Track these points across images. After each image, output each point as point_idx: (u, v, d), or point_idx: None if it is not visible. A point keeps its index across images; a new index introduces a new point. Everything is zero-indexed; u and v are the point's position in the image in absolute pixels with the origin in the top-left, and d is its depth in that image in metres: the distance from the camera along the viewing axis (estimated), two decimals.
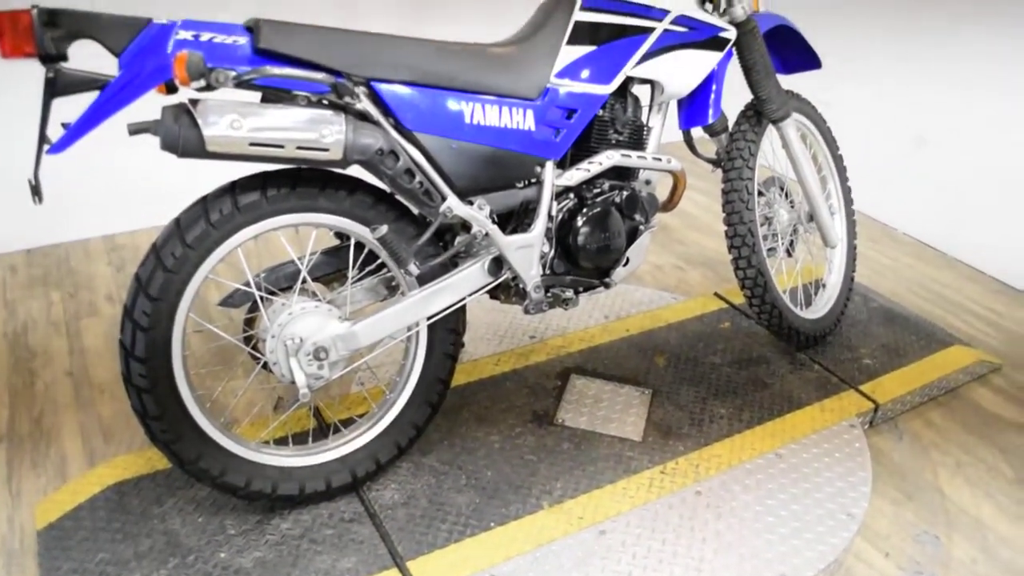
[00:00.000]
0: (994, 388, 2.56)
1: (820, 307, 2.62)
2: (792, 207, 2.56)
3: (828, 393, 2.38)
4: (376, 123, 1.69)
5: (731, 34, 2.10)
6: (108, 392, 2.38)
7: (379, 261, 1.91)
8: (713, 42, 2.07)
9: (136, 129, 1.59)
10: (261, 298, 1.82)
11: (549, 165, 1.93)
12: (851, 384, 2.42)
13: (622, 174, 2.12)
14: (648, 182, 2.18)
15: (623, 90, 2.08)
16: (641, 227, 2.13)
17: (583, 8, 1.94)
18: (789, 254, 2.57)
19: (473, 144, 1.81)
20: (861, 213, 3.79)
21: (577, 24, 1.93)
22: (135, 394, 1.71)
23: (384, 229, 1.72)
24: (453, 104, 1.78)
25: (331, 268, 1.94)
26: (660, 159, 2.11)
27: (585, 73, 1.93)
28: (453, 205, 1.78)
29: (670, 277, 3.06)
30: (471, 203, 1.84)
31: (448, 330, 1.97)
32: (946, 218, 3.43)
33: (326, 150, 1.62)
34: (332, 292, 1.95)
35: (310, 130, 1.60)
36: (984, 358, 2.65)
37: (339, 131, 1.61)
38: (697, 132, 2.39)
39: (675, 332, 2.62)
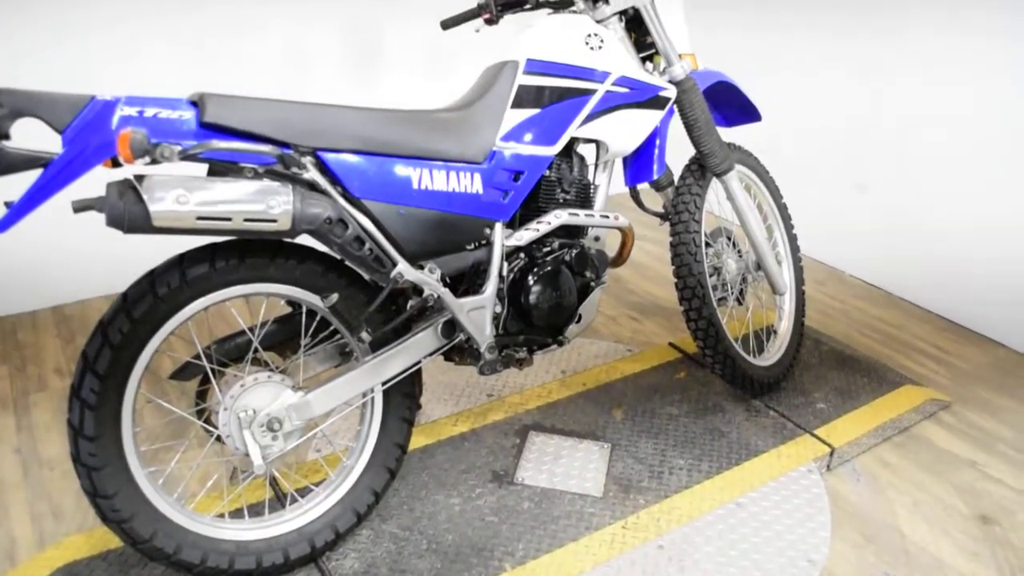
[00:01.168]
0: (945, 425, 2.61)
1: (772, 354, 2.66)
2: (740, 256, 2.61)
3: (785, 439, 2.40)
4: (324, 192, 1.70)
5: (671, 93, 2.16)
6: (58, 469, 2.32)
7: (332, 328, 1.91)
8: (654, 101, 2.12)
9: (81, 207, 1.58)
10: (212, 370, 1.80)
11: (498, 227, 1.95)
12: (806, 429, 2.45)
13: (571, 232, 2.15)
14: (597, 238, 2.21)
15: (569, 150, 2.12)
16: (592, 283, 2.15)
17: (526, 72, 1.98)
18: (740, 302, 2.62)
19: (422, 209, 1.82)
20: (808, 257, 3.87)
21: (521, 88, 1.97)
22: (85, 474, 1.67)
23: (335, 298, 1.72)
24: (400, 170, 1.80)
25: (284, 336, 1.93)
26: (608, 216, 2.15)
27: (530, 136, 1.96)
28: (404, 270, 1.79)
29: (625, 328, 3.09)
30: (422, 267, 1.85)
31: (404, 394, 1.96)
32: (891, 259, 3.52)
33: (274, 221, 1.62)
34: (285, 360, 1.94)
35: (257, 202, 1.60)
36: (934, 396, 2.71)
37: (287, 202, 1.62)
38: (644, 186, 2.43)
39: (631, 384, 2.64)
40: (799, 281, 2.78)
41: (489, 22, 2.34)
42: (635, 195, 2.47)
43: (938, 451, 2.47)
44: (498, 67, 2.02)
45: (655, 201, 2.89)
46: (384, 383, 1.91)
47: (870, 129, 3.50)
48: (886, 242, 3.52)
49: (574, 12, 2.20)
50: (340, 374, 1.85)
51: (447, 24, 2.41)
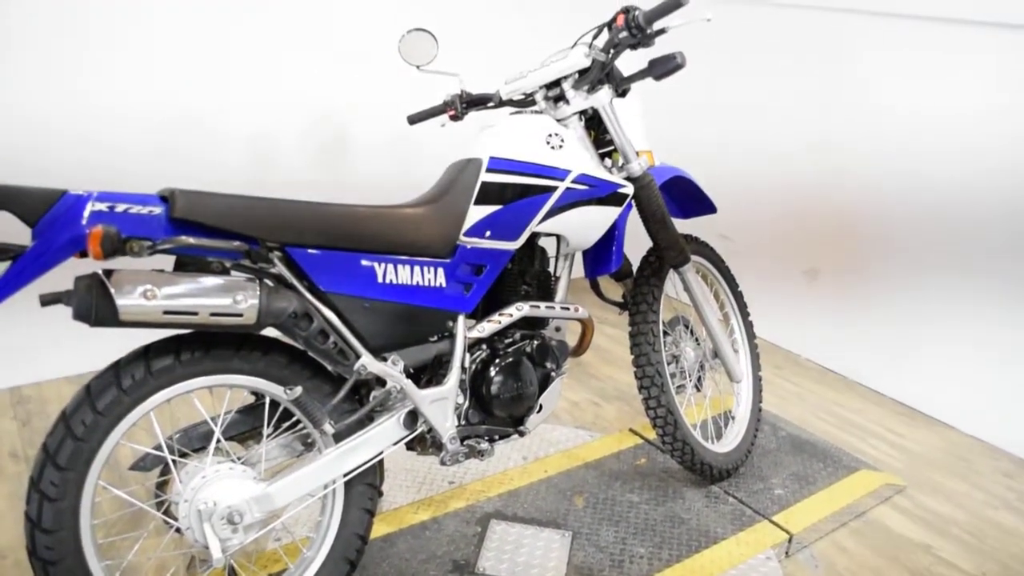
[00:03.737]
0: (900, 509, 2.65)
1: (730, 440, 2.71)
2: (698, 344, 2.68)
3: (743, 525, 2.43)
4: (291, 287, 1.74)
5: (628, 190, 2.24)
6: (11, 558, 2.28)
7: (295, 418, 1.92)
8: (612, 198, 2.21)
9: (48, 300, 1.60)
10: (173, 461, 1.80)
11: (461, 319, 2.00)
12: (765, 515, 2.48)
13: (533, 323, 2.20)
14: (558, 329, 2.26)
15: (531, 244, 2.19)
16: (553, 373, 2.20)
17: (489, 170, 2.06)
18: (698, 389, 2.67)
19: (386, 302, 1.87)
20: (766, 341, 3.96)
21: (484, 184, 2.04)
22: (40, 567, 1.66)
23: (299, 391, 1.75)
24: (366, 265, 1.84)
25: (246, 426, 1.94)
26: (568, 308, 2.21)
27: (493, 231, 2.03)
28: (367, 363, 1.82)
29: (587, 413, 3.13)
30: (385, 359, 1.89)
31: (365, 485, 1.97)
32: (845, 344, 3.61)
33: (240, 315, 1.65)
34: (248, 450, 1.94)
35: (224, 297, 1.63)
36: (889, 480, 2.76)
37: (253, 296, 1.65)
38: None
39: (593, 471, 2.66)
40: (756, 367, 2.85)
41: (454, 118, 2.43)
42: (595, 286, 2.53)
43: (894, 536, 2.52)
44: (462, 164, 2.10)
45: (615, 291, 2.96)
46: (346, 474, 1.92)
47: (824, 216, 3.63)
48: (840, 327, 3.62)
49: (536, 111, 2.29)
50: (302, 465, 1.85)
51: (413, 119, 2.49)
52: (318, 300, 1.78)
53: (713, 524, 2.43)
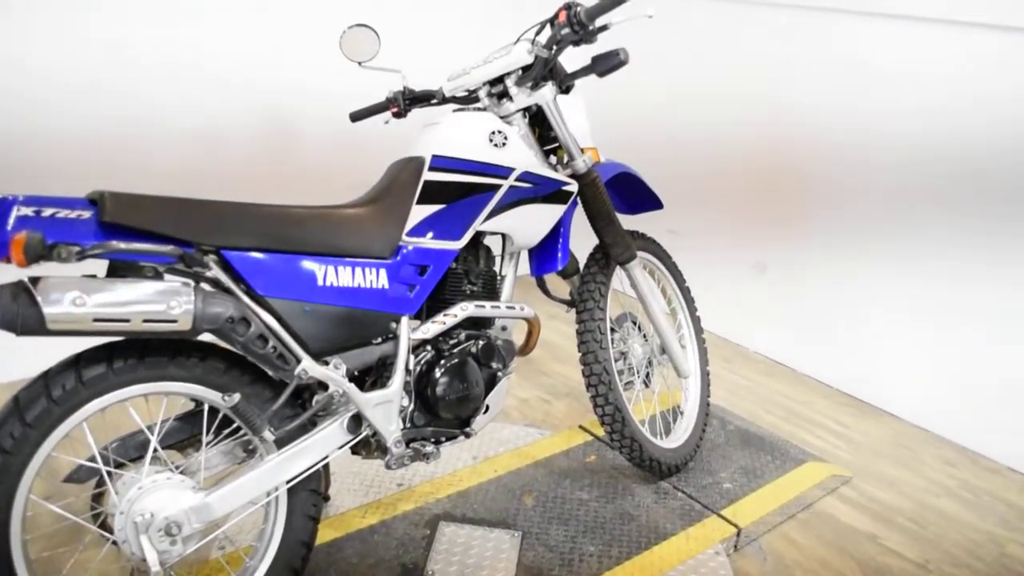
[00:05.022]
0: (846, 500, 2.69)
1: (679, 435, 2.71)
2: (646, 340, 2.68)
3: (692, 520, 2.44)
4: (228, 291, 1.70)
5: (573, 187, 2.23)
6: None
7: (236, 424, 1.88)
8: (557, 195, 2.19)
9: None
10: (108, 472, 1.75)
11: (404, 320, 1.97)
12: (713, 510, 2.49)
13: (478, 323, 2.18)
14: (504, 328, 2.24)
15: (475, 243, 2.17)
16: (499, 374, 2.18)
17: (432, 168, 2.03)
18: (647, 385, 2.68)
19: (327, 305, 1.83)
20: (714, 335, 3.98)
21: (427, 184, 2.01)
22: None
23: (236, 398, 1.71)
24: (306, 267, 1.81)
25: (185, 434, 1.89)
26: (514, 307, 2.19)
27: (436, 231, 2.00)
28: (308, 367, 1.79)
29: (536, 411, 3.12)
30: (327, 363, 1.85)
31: (309, 491, 1.93)
32: (792, 336, 3.65)
33: (174, 321, 1.60)
34: (188, 458, 1.89)
35: (157, 302, 1.58)
36: (836, 472, 2.80)
37: (187, 302, 1.61)
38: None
39: (542, 469, 2.65)
40: (704, 362, 2.86)
41: (397, 115, 2.39)
42: (541, 284, 2.52)
43: (841, 526, 2.55)
44: (404, 163, 2.07)
45: (563, 288, 2.95)
46: (289, 481, 1.88)
47: (771, 207, 3.66)
48: (787, 319, 3.66)
49: (479, 108, 2.27)
50: (243, 472, 1.81)
51: (356, 116, 2.45)
52: (256, 304, 1.74)
53: (662, 520, 2.43)
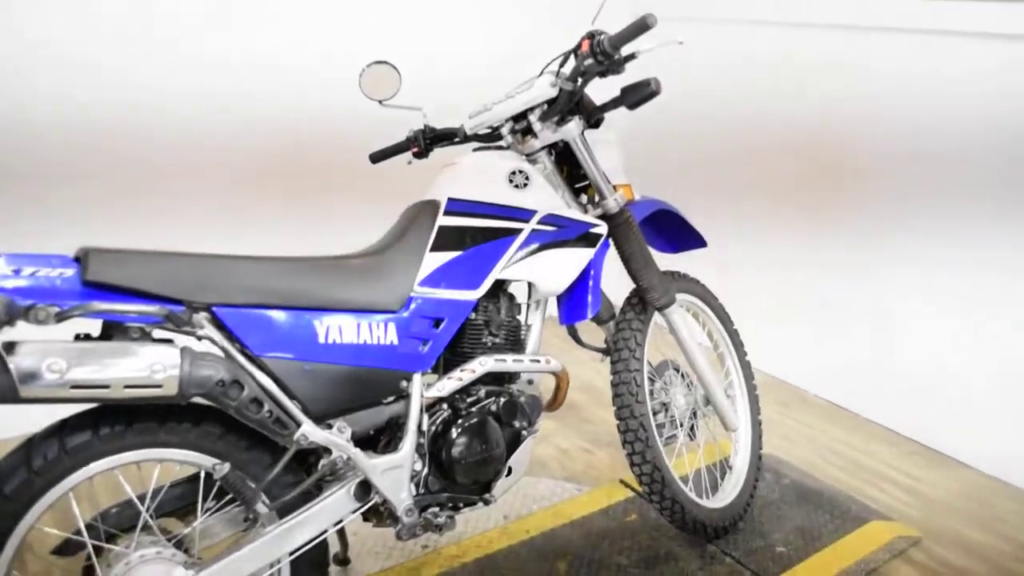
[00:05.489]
0: (914, 564, 2.44)
1: (728, 492, 2.50)
2: (689, 389, 2.49)
3: None
4: (222, 350, 1.58)
5: (602, 229, 2.06)
6: None
7: None
8: (584, 238, 2.03)
9: None
10: (95, 546, 1.63)
11: (417, 378, 1.82)
12: None
13: (500, 378, 2.02)
14: (531, 382, 2.08)
15: (497, 291, 2.01)
16: (524, 432, 2.01)
17: (447, 212, 1.89)
18: (692, 438, 2.48)
19: (330, 364, 1.70)
20: (772, 377, 3.75)
21: (441, 229, 1.87)
22: None
23: (226, 468, 1.58)
24: (305, 324, 1.67)
25: (184, 500, 1.77)
26: (539, 360, 2.02)
27: (452, 280, 1.85)
28: (308, 432, 1.65)
29: (577, 462, 2.93)
30: (330, 426, 1.71)
31: (314, 564, 1.79)
32: (855, 378, 3.40)
33: (158, 387, 1.48)
34: (186, 526, 1.77)
35: (139, 367, 1.47)
36: (902, 532, 2.55)
37: (173, 365, 1.49)
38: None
39: (579, 530, 2.46)
40: (755, 411, 2.65)
41: (418, 155, 2.27)
42: (573, 331, 2.35)
43: None
44: (418, 207, 1.93)
45: (599, 334, 2.75)
46: (292, 552, 1.73)
47: (834, 239, 3.44)
48: (850, 361, 3.41)
49: (501, 147, 2.12)
50: (241, 545, 1.68)
51: (376, 158, 2.34)
52: (252, 364, 1.61)
53: None
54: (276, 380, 1.64)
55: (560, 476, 2.82)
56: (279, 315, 1.65)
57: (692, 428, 2.46)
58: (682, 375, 2.49)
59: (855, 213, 3.29)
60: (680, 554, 2.37)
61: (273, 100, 3.26)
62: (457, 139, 2.22)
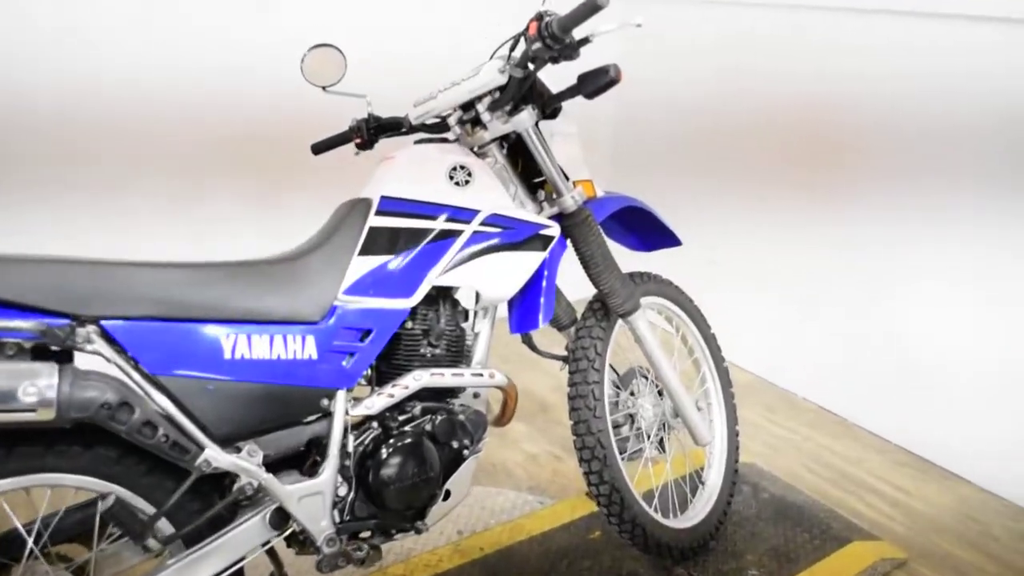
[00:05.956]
0: None
1: (698, 510, 2.33)
2: (660, 397, 2.31)
3: None
4: (118, 368, 1.42)
5: (554, 231, 1.88)
6: None
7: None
8: (534, 241, 1.85)
9: None
10: None
11: (340, 395, 1.66)
12: None
13: (440, 393, 1.85)
14: (477, 396, 1.91)
15: (439, 297, 1.84)
16: (465, 452, 1.84)
17: (379, 212, 1.72)
18: (661, 451, 2.31)
19: (237, 382, 1.53)
20: (758, 378, 3.57)
21: (372, 231, 1.70)
22: None
23: (111, 500, 1.42)
24: (209, 337, 1.51)
25: (85, 526, 1.61)
26: (482, 374, 1.85)
27: (380, 287, 1.68)
28: (212, 456, 1.49)
29: (544, 469, 2.77)
30: (239, 449, 1.55)
31: None
32: (847, 382, 3.22)
33: (32, 411, 1.32)
34: (89, 552, 1.61)
35: (7, 389, 1.31)
36: (886, 554, 2.38)
37: (48, 387, 1.32)
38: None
39: (537, 547, 2.30)
40: (732, 422, 2.47)
41: (361, 146, 2.09)
42: (528, 339, 2.18)
43: None
44: (349, 206, 1.76)
45: (560, 341, 2.57)
46: None
47: (823, 238, 3.24)
48: (842, 363, 3.23)
49: (446, 139, 1.95)
50: None
51: (318, 148, 2.16)
52: (147, 383, 1.45)
53: None
54: (175, 400, 1.48)
55: (525, 486, 2.66)
56: (179, 328, 1.49)
57: (661, 441, 2.30)
58: (652, 382, 2.32)
59: (851, 209, 3.09)
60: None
61: (222, 87, 3.08)
62: (403, 129, 2.04)
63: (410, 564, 2.22)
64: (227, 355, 1.52)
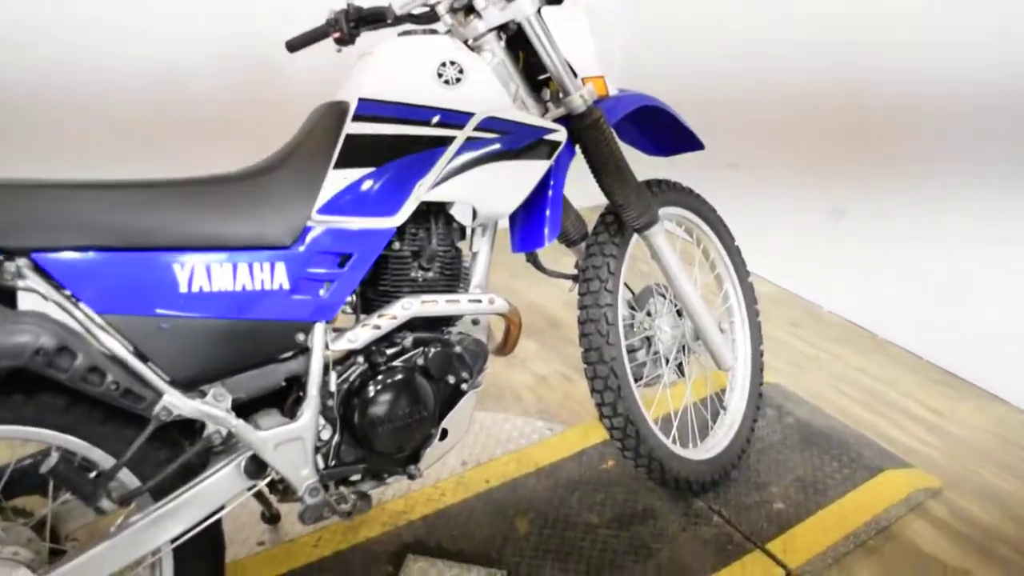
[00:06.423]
0: (933, 520, 2.11)
1: (719, 439, 2.16)
2: (679, 317, 2.12)
3: (728, 558, 1.92)
4: (57, 306, 1.23)
5: (560, 135, 1.65)
6: None
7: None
8: (537, 147, 1.62)
9: None
10: None
11: (319, 328, 1.46)
12: (757, 543, 1.96)
13: (433, 322, 1.65)
14: (476, 322, 1.72)
15: (430, 213, 1.63)
16: (463, 386, 1.66)
17: (357, 117, 1.49)
18: (680, 375, 2.13)
19: (196, 319, 1.34)
20: (783, 289, 3.36)
21: (349, 139, 1.47)
22: None
23: (54, 459, 1.24)
24: (161, 269, 1.31)
25: (39, 479, 1.45)
26: (480, 300, 1.65)
27: (361, 204, 1.47)
28: (171, 403, 1.31)
29: (555, 392, 2.60)
30: (203, 393, 1.37)
31: (203, 553, 1.48)
32: (877, 294, 3.01)
33: None
34: (52, 505, 1.46)
35: None
36: (920, 484, 2.21)
37: None
38: None
39: (545, 479, 2.15)
40: (756, 342, 2.28)
41: (341, 42, 1.84)
42: (533, 257, 1.97)
43: (923, 559, 1.99)
44: (322, 111, 1.53)
45: (569, 258, 2.36)
46: (173, 540, 1.42)
47: (854, 139, 2.98)
48: (871, 273, 3.01)
49: (435, 31, 1.70)
50: (108, 535, 1.37)
51: (293, 45, 1.91)
52: (93, 324, 1.26)
53: (689, 556, 1.91)
54: (125, 342, 1.29)
55: (534, 410, 2.49)
56: (125, 259, 1.28)
57: (680, 366, 2.11)
58: (670, 302, 2.12)
59: (887, 114, 2.82)
60: (660, 511, 2.05)
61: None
62: (388, 21, 1.79)
63: (410, 499, 2.07)
64: (183, 288, 1.32)
